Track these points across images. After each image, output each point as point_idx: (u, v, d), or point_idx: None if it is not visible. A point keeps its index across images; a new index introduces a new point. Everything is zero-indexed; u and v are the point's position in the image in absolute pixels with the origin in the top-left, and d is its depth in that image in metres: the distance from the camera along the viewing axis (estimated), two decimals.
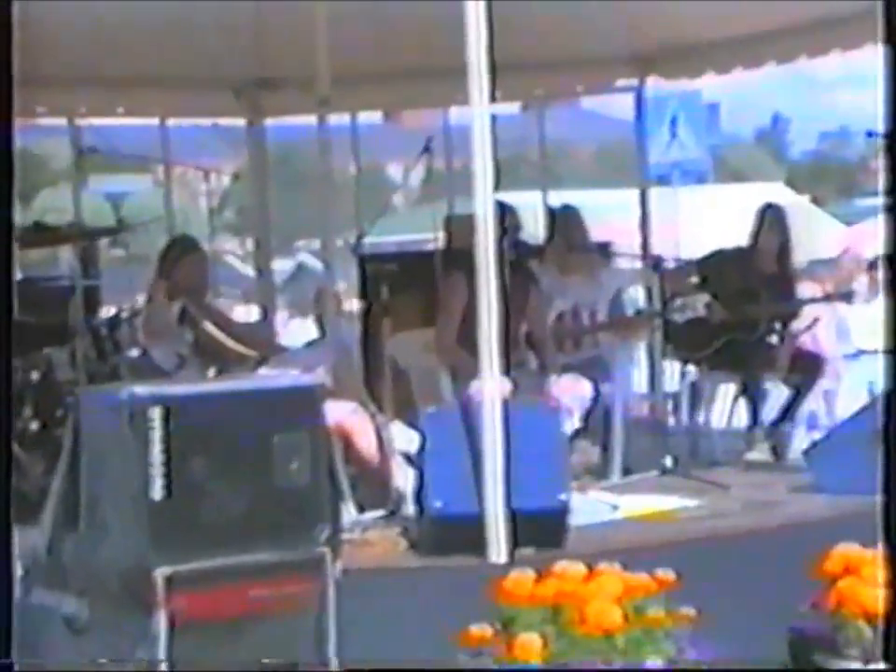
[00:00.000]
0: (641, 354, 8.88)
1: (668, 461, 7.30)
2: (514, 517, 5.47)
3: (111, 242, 10.17)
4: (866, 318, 9.60)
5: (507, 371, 5.81)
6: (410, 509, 6.09)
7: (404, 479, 6.30)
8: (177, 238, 8.38)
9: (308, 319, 12.30)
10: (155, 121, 10.07)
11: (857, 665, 3.86)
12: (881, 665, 3.78)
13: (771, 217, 8.25)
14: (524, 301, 7.18)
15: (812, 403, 8.33)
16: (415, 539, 5.87)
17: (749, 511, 6.49)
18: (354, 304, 9.05)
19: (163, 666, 4.13)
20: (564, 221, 8.06)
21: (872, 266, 10.70)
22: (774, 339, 8.09)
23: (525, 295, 7.26)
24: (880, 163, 3.82)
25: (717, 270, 8.12)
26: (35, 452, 7.02)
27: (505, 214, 6.67)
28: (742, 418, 8.32)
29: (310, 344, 8.77)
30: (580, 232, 7.99)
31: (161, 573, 4.16)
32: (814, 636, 3.99)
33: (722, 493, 6.87)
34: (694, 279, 8.13)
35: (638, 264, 9.09)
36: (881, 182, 3.83)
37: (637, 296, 9.12)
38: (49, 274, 9.06)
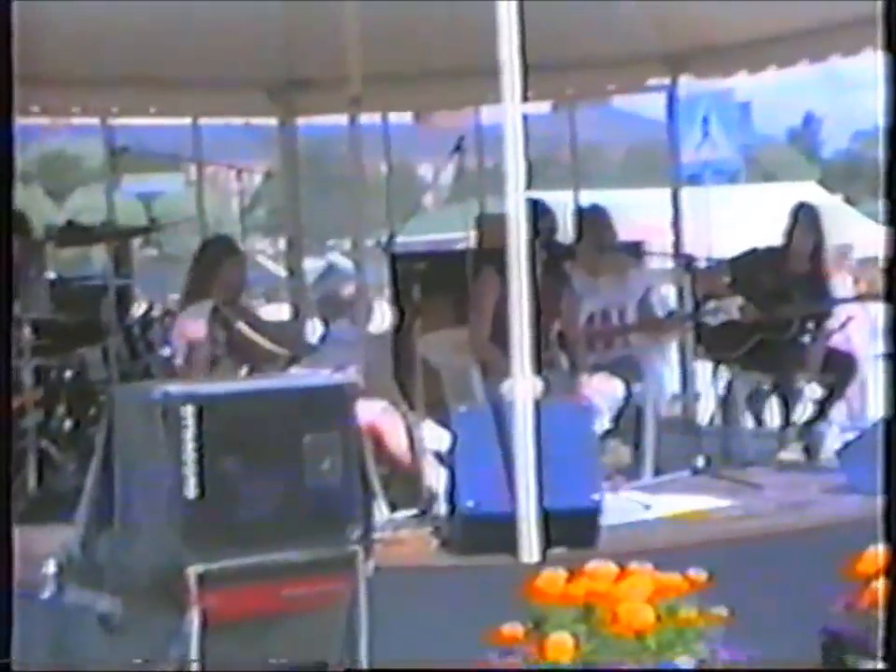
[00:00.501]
0: (673, 353, 8.85)
1: (700, 461, 7.28)
2: (546, 517, 5.47)
3: (143, 241, 10.18)
4: None
5: (538, 370, 5.80)
6: (441, 508, 6.09)
7: (436, 478, 6.30)
8: (215, 239, 8.32)
9: (339, 320, 12.28)
10: (187, 121, 10.09)
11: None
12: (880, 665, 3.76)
13: (804, 217, 8.21)
14: (556, 300, 7.17)
15: (845, 403, 8.29)
16: (447, 539, 5.87)
17: (782, 512, 6.46)
18: (383, 305, 9.04)
19: (195, 666, 4.14)
20: (592, 221, 8.03)
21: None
22: (807, 338, 8.05)
23: (558, 294, 7.25)
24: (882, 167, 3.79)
25: (749, 270, 8.08)
26: (69, 450, 7.05)
27: (539, 214, 6.67)
28: (775, 418, 8.28)
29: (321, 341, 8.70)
30: (609, 232, 7.97)
31: (193, 571, 4.17)
32: (847, 637, 3.97)
33: (755, 493, 6.85)
34: (726, 279, 8.10)
35: (670, 264, 9.07)
36: (882, 187, 3.80)
37: (669, 296, 9.09)
38: (81, 274, 9.11)
